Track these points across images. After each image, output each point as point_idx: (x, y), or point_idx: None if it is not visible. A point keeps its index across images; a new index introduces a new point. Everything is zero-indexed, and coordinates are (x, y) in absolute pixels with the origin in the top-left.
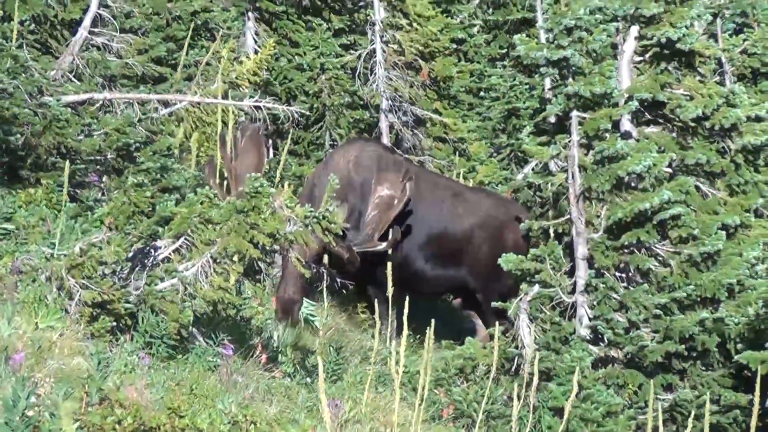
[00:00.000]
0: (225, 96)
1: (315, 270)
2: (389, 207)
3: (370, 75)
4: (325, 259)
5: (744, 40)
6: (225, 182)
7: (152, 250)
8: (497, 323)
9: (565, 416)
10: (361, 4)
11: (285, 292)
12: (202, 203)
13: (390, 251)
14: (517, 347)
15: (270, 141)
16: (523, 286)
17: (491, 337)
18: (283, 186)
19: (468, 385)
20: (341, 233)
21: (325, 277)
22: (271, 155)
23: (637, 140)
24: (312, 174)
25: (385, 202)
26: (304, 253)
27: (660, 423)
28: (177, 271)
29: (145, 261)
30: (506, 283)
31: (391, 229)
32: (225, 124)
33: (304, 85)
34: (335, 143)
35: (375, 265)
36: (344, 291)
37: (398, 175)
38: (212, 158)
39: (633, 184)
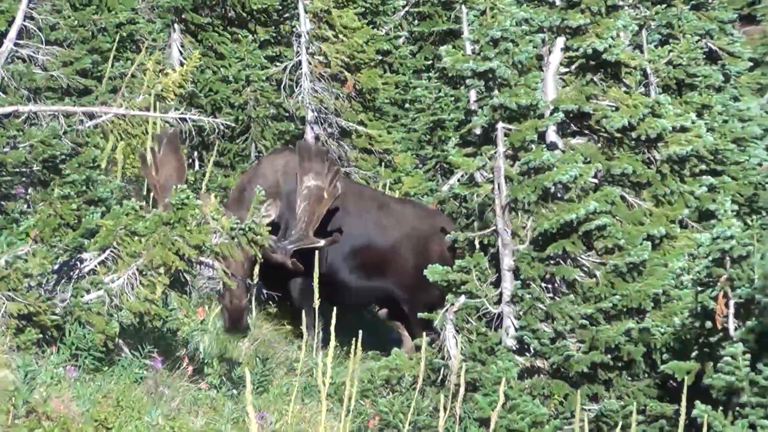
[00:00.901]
0: (150, 108)
1: (241, 281)
2: (319, 199)
3: (296, 87)
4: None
5: (669, 52)
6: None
7: (78, 263)
8: (424, 334)
9: (492, 427)
10: (287, 15)
11: (231, 299)
12: (127, 215)
13: (317, 259)
14: (443, 358)
15: (193, 150)
16: (449, 296)
17: (417, 348)
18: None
19: (394, 396)
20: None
21: (252, 289)
22: (196, 165)
23: (563, 151)
24: (240, 180)
25: (313, 193)
26: (240, 265)
27: None
28: (103, 283)
29: (71, 273)
30: (433, 294)
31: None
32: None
33: (230, 97)
34: (261, 155)
35: (300, 275)
36: (270, 302)
37: (323, 165)
38: (144, 158)
39: (559, 195)
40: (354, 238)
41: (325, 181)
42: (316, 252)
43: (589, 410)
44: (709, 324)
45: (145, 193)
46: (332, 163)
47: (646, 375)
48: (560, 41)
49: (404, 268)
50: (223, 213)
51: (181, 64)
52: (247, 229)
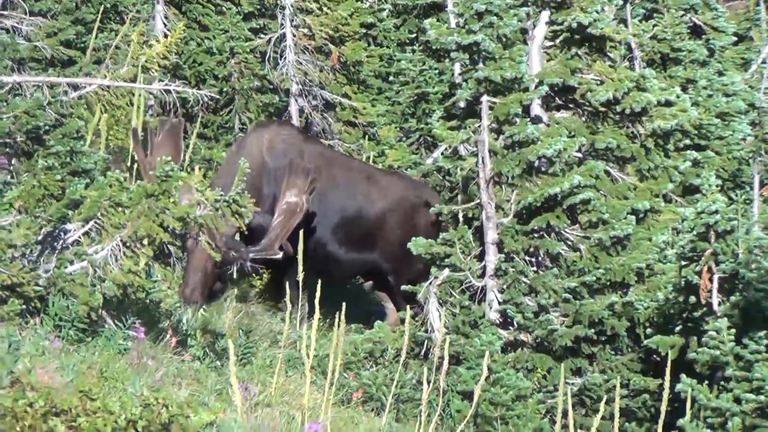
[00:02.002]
0: (134, 79)
1: (226, 253)
2: (293, 214)
3: (280, 59)
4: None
5: (654, 26)
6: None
7: (62, 234)
8: (408, 307)
9: (475, 400)
10: None
11: (184, 289)
12: (111, 186)
13: (302, 234)
14: (426, 331)
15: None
16: (433, 270)
17: (401, 320)
18: (192, 169)
19: (377, 368)
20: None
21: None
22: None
23: (548, 125)
24: (226, 158)
25: (291, 209)
26: (203, 259)
27: (569, 407)
28: (87, 254)
29: (55, 244)
30: (418, 266)
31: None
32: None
33: (214, 69)
34: (244, 127)
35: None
36: (255, 275)
37: (305, 182)
38: (135, 131)
39: (543, 169)
40: (343, 210)
41: (303, 197)
42: (301, 233)
43: (573, 384)
44: (693, 298)
45: (129, 163)
46: (313, 181)
47: (630, 349)
48: (545, 15)
49: (391, 238)
50: (208, 185)
51: (166, 36)
52: (231, 201)
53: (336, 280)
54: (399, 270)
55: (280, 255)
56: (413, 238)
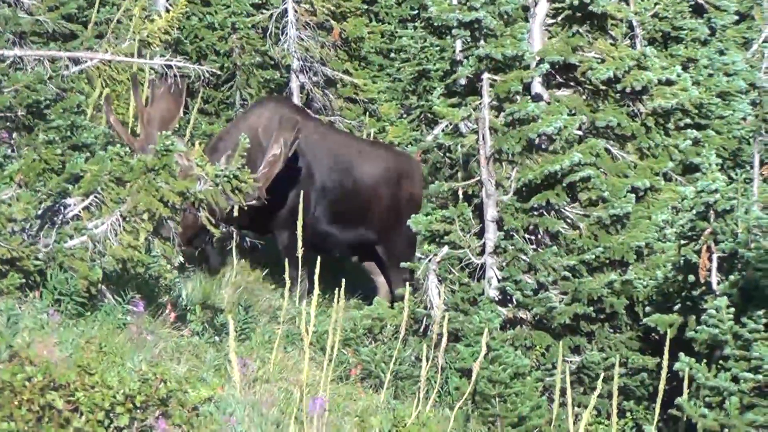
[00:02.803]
0: (136, 54)
1: (225, 229)
2: (275, 164)
3: (282, 35)
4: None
5: (655, 4)
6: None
7: (62, 208)
8: (404, 279)
9: (473, 377)
10: None
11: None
12: (112, 161)
13: (301, 212)
14: (425, 308)
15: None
16: (432, 247)
17: (392, 293)
18: (193, 145)
19: (376, 345)
20: None
21: (234, 236)
22: (180, 112)
23: (548, 103)
24: (221, 130)
25: (275, 160)
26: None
27: (568, 385)
28: (86, 228)
29: (55, 218)
30: (407, 234)
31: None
32: (141, 84)
33: (215, 45)
34: (245, 103)
35: (285, 226)
36: (255, 250)
37: (291, 134)
38: (108, 97)
39: (543, 147)
40: (339, 185)
41: (287, 149)
42: (301, 203)
43: (571, 362)
44: (692, 277)
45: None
46: (298, 131)
47: (629, 327)
48: None
49: (380, 209)
50: (208, 160)
51: (167, 11)
52: (231, 176)
53: (331, 255)
54: (388, 239)
55: (255, 202)
56: (412, 216)
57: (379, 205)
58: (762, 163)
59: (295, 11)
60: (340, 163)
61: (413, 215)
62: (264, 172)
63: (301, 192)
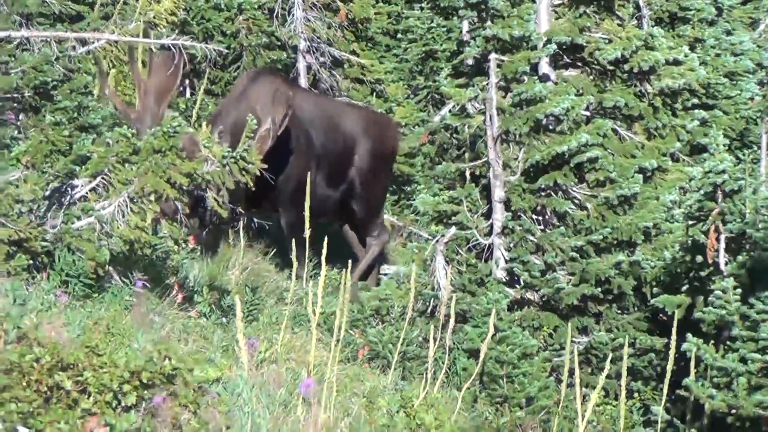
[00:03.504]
0: (143, 35)
1: (232, 210)
2: (265, 140)
3: (288, 16)
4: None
5: None
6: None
7: (69, 189)
8: (374, 233)
9: (481, 358)
10: None
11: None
12: (119, 142)
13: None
14: (433, 289)
15: (184, 78)
16: (440, 228)
17: (370, 266)
18: (200, 125)
19: (383, 326)
20: None
21: (242, 217)
22: (188, 93)
23: (556, 83)
24: (219, 107)
25: (268, 134)
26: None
27: (576, 365)
28: (94, 209)
29: (62, 199)
30: (382, 189)
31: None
32: (144, 64)
33: (222, 25)
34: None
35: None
36: (262, 231)
37: (283, 109)
38: (102, 70)
39: (551, 127)
40: (331, 149)
41: (277, 125)
42: (308, 182)
43: (579, 343)
44: (700, 258)
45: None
46: (290, 107)
47: (636, 308)
48: None
49: (362, 162)
50: (215, 141)
51: None
52: (238, 157)
53: (324, 220)
54: (365, 193)
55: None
56: (420, 196)
57: (361, 158)
58: None
59: None
60: (331, 125)
61: (421, 196)
62: (257, 146)
63: (305, 165)
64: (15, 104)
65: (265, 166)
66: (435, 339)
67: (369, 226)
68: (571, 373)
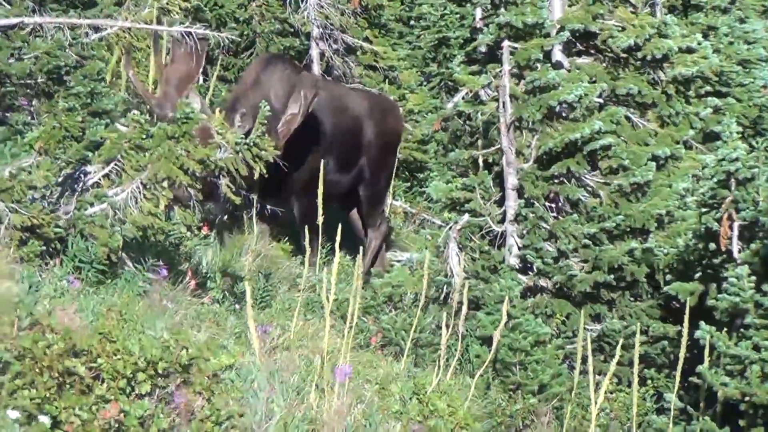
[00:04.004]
0: (156, 22)
1: (245, 197)
2: (292, 123)
3: (301, 2)
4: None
5: None
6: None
7: (82, 175)
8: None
9: (494, 345)
10: None
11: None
12: (134, 128)
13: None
14: (446, 276)
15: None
16: (453, 215)
17: (369, 241)
18: (213, 111)
19: (396, 313)
20: None
21: (255, 204)
22: (200, 80)
23: (569, 70)
24: (234, 94)
25: (292, 119)
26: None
27: (589, 352)
28: (107, 196)
29: (75, 186)
30: (388, 172)
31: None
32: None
33: (235, 12)
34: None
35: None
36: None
37: (311, 91)
38: (128, 52)
39: (564, 114)
40: (339, 132)
41: (305, 107)
42: (321, 169)
43: (592, 330)
44: (713, 245)
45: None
46: (318, 90)
47: (649, 295)
48: None
49: (368, 143)
50: (229, 128)
51: None
52: (251, 144)
53: (335, 205)
54: (372, 177)
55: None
56: (433, 183)
57: (367, 141)
58: None
59: None
60: (339, 107)
61: (433, 183)
62: (281, 131)
63: (317, 152)
64: (28, 90)
65: (279, 152)
66: (448, 326)
67: (372, 213)
68: (584, 360)
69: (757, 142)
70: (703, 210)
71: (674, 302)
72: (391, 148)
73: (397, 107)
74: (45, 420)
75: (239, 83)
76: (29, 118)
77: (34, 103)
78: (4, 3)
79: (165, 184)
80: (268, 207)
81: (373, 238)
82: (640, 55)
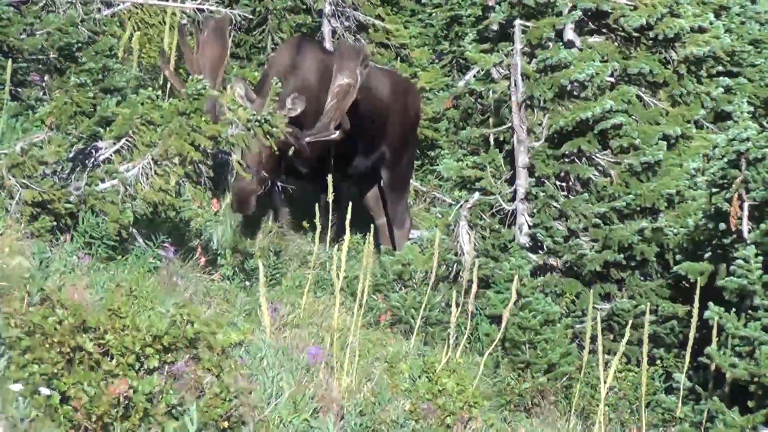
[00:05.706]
0: None
1: (257, 174)
2: (346, 95)
3: None
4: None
5: None
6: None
7: (93, 151)
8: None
9: (503, 324)
10: None
11: (242, 180)
12: (143, 104)
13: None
14: (456, 254)
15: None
16: (463, 193)
17: (391, 228)
18: (225, 89)
19: (406, 291)
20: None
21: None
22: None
23: (580, 49)
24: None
25: (343, 90)
26: (257, 157)
27: (598, 332)
28: (118, 172)
29: (86, 161)
30: (410, 155)
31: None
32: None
33: None
34: (277, 47)
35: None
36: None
37: (356, 62)
38: (163, 51)
39: (575, 93)
40: (366, 111)
41: (355, 77)
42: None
43: (601, 309)
44: (723, 226)
45: (161, 82)
46: (365, 58)
47: (659, 275)
48: None
49: (392, 123)
50: (240, 104)
51: None
52: (263, 120)
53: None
54: (394, 159)
55: (336, 134)
56: (444, 161)
57: (391, 120)
58: None
59: None
60: (364, 88)
61: (444, 161)
62: (333, 104)
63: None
64: (40, 66)
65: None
66: (457, 304)
67: (398, 201)
68: (593, 339)
69: None
70: (714, 190)
71: (684, 282)
72: (411, 130)
73: (415, 87)
74: (48, 392)
75: (270, 67)
76: (41, 93)
77: (45, 78)
78: None
79: (176, 160)
80: (279, 184)
81: (399, 237)
82: (651, 34)
